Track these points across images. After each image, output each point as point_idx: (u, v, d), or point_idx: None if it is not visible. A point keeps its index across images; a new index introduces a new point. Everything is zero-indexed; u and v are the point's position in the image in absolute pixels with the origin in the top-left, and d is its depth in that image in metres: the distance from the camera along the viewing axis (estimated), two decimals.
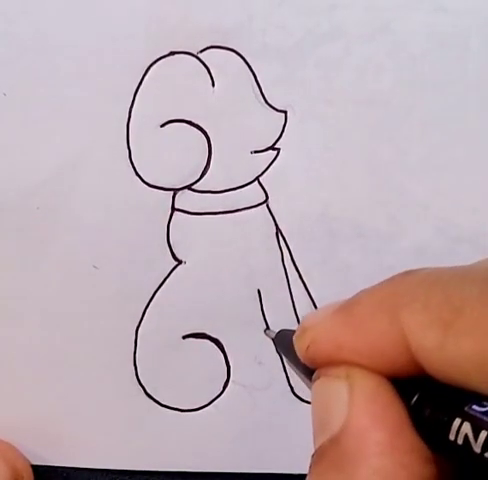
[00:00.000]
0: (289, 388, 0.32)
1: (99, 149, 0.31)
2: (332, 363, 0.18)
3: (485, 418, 0.16)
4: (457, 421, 0.16)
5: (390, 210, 0.31)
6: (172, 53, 0.31)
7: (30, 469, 0.32)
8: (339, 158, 0.31)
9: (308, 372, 0.20)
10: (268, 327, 0.32)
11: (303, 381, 0.20)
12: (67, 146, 0.31)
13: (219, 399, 0.32)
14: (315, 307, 0.32)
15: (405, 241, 0.31)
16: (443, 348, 0.16)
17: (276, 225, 0.32)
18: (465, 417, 0.16)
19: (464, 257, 0.31)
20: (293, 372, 0.21)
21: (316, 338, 0.19)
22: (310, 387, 0.19)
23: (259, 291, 0.32)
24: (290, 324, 0.32)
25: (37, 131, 0.31)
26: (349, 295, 0.33)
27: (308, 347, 0.19)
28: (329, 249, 0.31)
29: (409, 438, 0.17)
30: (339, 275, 0.32)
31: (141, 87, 0.31)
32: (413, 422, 0.17)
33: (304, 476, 0.18)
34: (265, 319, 0.32)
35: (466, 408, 0.16)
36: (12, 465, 0.31)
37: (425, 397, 0.17)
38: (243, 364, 0.32)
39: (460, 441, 0.16)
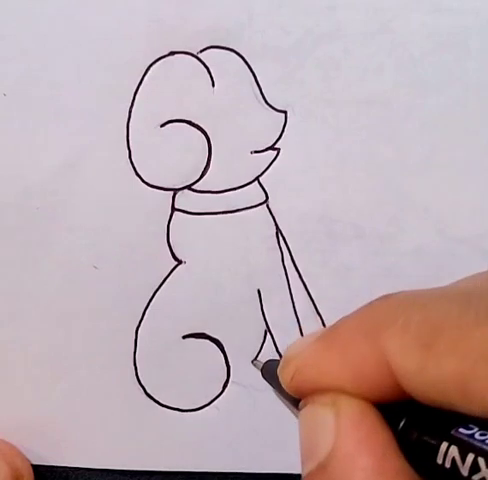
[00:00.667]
0: None
1: (99, 149, 0.31)
2: (317, 391, 0.18)
3: (472, 441, 0.16)
4: (444, 445, 0.16)
5: (390, 211, 0.31)
6: (172, 53, 0.31)
7: (30, 469, 0.32)
8: (339, 158, 0.31)
9: (295, 402, 0.20)
10: (269, 329, 0.32)
11: (291, 410, 0.20)
12: (67, 146, 0.31)
13: (219, 399, 0.32)
14: (315, 307, 0.32)
15: (405, 242, 0.31)
16: (424, 370, 0.16)
17: (276, 225, 0.32)
18: (452, 441, 0.16)
19: (464, 258, 0.31)
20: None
21: (299, 367, 0.19)
22: (297, 416, 0.19)
23: (259, 291, 0.32)
24: (290, 324, 0.32)
25: (37, 131, 0.31)
26: (349, 295, 0.33)
27: (292, 377, 0.19)
28: (329, 249, 0.31)
29: (395, 462, 0.17)
30: (339, 275, 0.32)
31: (141, 87, 0.31)
32: (400, 446, 0.17)
33: None
34: (265, 319, 0.32)
35: (453, 432, 0.16)
36: (12, 465, 0.31)
37: (412, 421, 0.17)
38: (243, 364, 0.32)
39: (448, 465, 0.16)
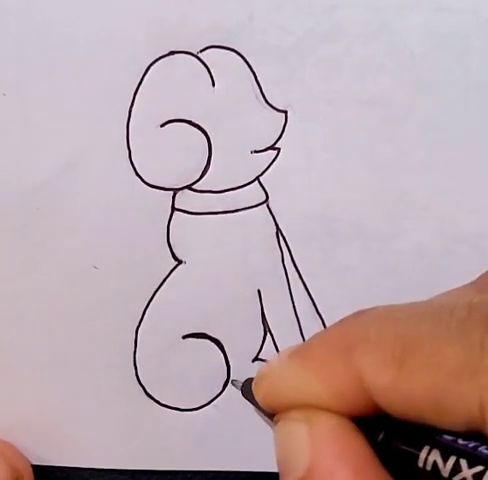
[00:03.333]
0: None
1: (99, 149, 0.31)
2: (291, 407, 0.18)
3: (454, 444, 0.16)
4: (426, 449, 0.16)
5: (390, 210, 0.31)
6: (172, 53, 0.31)
7: (30, 469, 0.32)
8: (339, 158, 0.31)
9: (272, 418, 0.20)
10: (269, 329, 0.32)
11: (270, 426, 0.20)
12: (67, 146, 0.31)
13: (219, 399, 0.32)
14: (315, 307, 0.32)
15: (405, 241, 0.31)
16: (397, 386, 0.16)
17: (276, 225, 0.32)
18: (434, 444, 0.16)
19: (464, 258, 0.31)
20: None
21: (272, 384, 0.19)
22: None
23: (259, 291, 0.32)
24: (290, 324, 0.32)
25: (37, 131, 0.31)
26: (349, 295, 0.33)
27: (266, 393, 0.19)
28: (329, 249, 0.31)
29: (374, 474, 0.17)
30: (339, 275, 0.32)
31: (141, 87, 0.31)
32: (381, 458, 0.17)
33: None
34: (265, 319, 0.32)
35: (436, 437, 0.16)
36: (12, 465, 0.31)
37: (391, 433, 0.17)
38: (243, 364, 0.32)
39: (429, 468, 0.16)
